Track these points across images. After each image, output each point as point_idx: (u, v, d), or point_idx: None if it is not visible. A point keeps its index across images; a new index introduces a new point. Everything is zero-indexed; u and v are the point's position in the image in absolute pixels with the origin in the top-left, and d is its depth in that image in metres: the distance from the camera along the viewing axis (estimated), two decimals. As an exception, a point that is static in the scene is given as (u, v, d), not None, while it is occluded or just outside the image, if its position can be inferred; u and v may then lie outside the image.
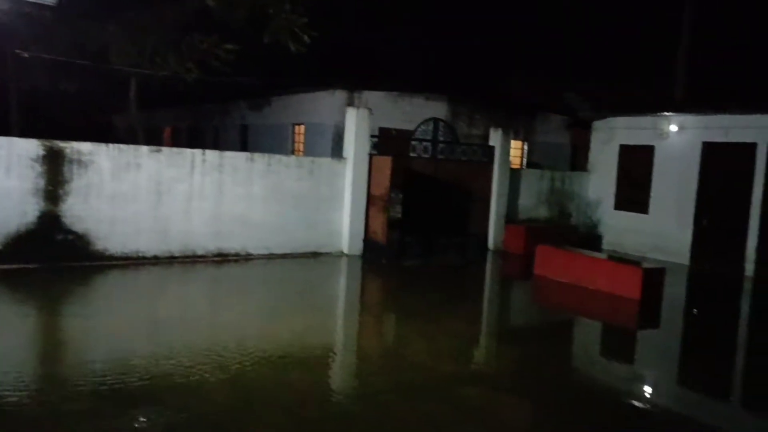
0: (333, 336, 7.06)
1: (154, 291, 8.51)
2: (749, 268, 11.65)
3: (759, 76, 13.35)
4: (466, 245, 12.67)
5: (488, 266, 12.21)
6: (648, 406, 5.54)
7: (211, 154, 10.17)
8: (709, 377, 6.46)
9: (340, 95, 14.82)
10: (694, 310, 9.63)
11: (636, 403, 5.55)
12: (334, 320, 7.76)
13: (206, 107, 21.14)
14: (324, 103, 15.25)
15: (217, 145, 20.05)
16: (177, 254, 9.83)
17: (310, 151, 15.56)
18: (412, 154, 11.93)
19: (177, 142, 23.98)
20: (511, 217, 13.63)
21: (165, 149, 9.96)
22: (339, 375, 5.78)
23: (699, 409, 5.60)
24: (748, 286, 11.25)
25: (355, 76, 16.28)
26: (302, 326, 7.02)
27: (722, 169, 12.28)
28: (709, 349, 7.55)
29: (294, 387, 5.22)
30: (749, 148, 11.71)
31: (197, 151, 10.08)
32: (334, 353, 6.36)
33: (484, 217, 13.13)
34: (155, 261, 9.65)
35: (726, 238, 12.06)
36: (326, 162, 11.37)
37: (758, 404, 5.92)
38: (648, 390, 5.99)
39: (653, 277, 9.29)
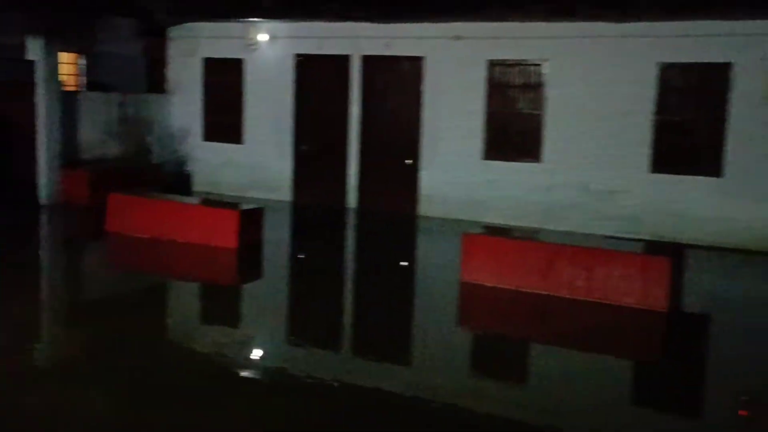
0: None
1: None
2: (351, 198, 13.47)
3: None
4: (5, 200, 11.78)
5: (41, 227, 11.74)
6: (254, 371, 6.08)
7: None
8: (318, 328, 7.37)
9: None
10: (300, 255, 10.75)
11: (243, 371, 6.03)
12: None
13: None
14: None
15: None
16: None
17: None
18: None
19: None
20: (70, 157, 13.09)
21: None
22: None
23: (310, 363, 6.32)
24: (351, 219, 13.06)
25: None
26: None
27: (319, 87, 13.73)
28: (316, 296, 8.58)
29: None
30: (344, 61, 13.33)
31: None
32: None
33: (29, 159, 12.33)
34: None
35: (327, 165, 13.67)
36: None
37: (366, 350, 7.03)
38: (253, 352, 6.61)
39: (251, 220, 10.03)
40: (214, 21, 14.40)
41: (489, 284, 8.27)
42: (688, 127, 11.22)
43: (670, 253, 8.05)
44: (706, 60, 10.93)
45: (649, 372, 6.76)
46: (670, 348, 7.28)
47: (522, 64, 12.20)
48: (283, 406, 5.33)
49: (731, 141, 10.82)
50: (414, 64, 12.90)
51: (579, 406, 5.60)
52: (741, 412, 5.79)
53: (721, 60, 10.81)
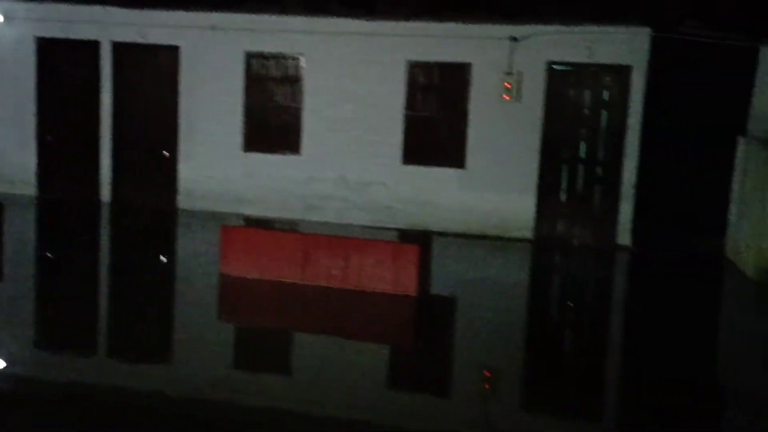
0: None
1: None
2: (105, 192, 12.84)
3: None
4: None
5: None
6: None
7: None
8: (68, 330, 7.10)
9: None
10: (47, 254, 10.16)
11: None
12: None
13: None
14: None
15: None
16: None
17: None
18: None
19: None
20: None
21: None
22: None
23: (58, 368, 6.01)
24: (105, 213, 12.53)
25: None
26: None
27: (65, 72, 12.92)
28: (66, 297, 8.25)
29: None
30: (92, 47, 12.67)
31: None
32: None
33: None
34: None
35: (77, 157, 12.93)
36: None
37: (122, 350, 6.82)
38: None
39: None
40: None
41: (249, 276, 8.33)
42: (434, 122, 11.96)
43: (419, 241, 8.60)
44: (448, 60, 11.73)
45: (401, 353, 7.22)
46: (419, 330, 7.81)
47: (280, 58, 12.30)
48: (31, 417, 5.08)
49: (472, 135, 11.70)
50: (170, 53, 12.50)
51: (339, 392, 5.86)
52: (485, 386, 6.39)
53: (461, 60, 11.67)
